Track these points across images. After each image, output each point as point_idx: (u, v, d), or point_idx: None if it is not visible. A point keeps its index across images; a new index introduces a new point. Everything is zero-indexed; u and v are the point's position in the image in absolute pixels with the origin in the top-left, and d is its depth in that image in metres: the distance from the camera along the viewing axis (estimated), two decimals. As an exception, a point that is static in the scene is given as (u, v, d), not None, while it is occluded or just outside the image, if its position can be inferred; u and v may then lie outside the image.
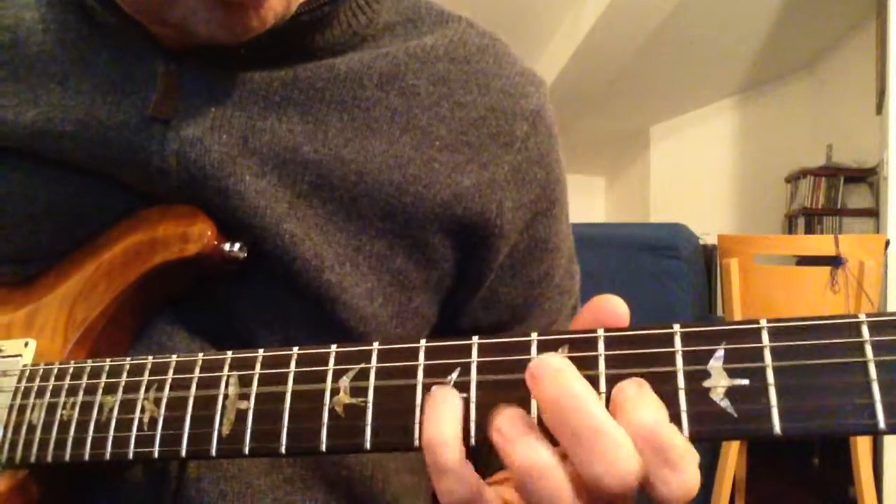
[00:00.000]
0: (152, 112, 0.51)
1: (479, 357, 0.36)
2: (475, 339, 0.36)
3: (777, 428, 0.31)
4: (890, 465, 2.59)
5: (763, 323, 0.32)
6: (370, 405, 0.37)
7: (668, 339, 0.33)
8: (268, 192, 0.51)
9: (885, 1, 2.87)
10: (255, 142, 0.52)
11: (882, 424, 0.30)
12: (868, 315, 0.31)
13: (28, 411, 0.46)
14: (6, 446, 0.45)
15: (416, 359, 0.37)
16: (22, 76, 0.53)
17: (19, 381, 0.48)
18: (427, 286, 0.57)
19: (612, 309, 0.36)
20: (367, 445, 0.36)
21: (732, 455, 2.33)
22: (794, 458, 3.46)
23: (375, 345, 0.38)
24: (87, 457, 0.43)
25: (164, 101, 0.51)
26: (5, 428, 0.46)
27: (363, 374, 0.37)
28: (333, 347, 0.39)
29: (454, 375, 0.36)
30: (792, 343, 0.32)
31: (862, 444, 2.19)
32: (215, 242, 0.50)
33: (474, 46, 0.59)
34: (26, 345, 0.50)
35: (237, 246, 0.50)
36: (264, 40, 0.50)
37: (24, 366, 0.48)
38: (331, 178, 0.52)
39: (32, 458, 0.44)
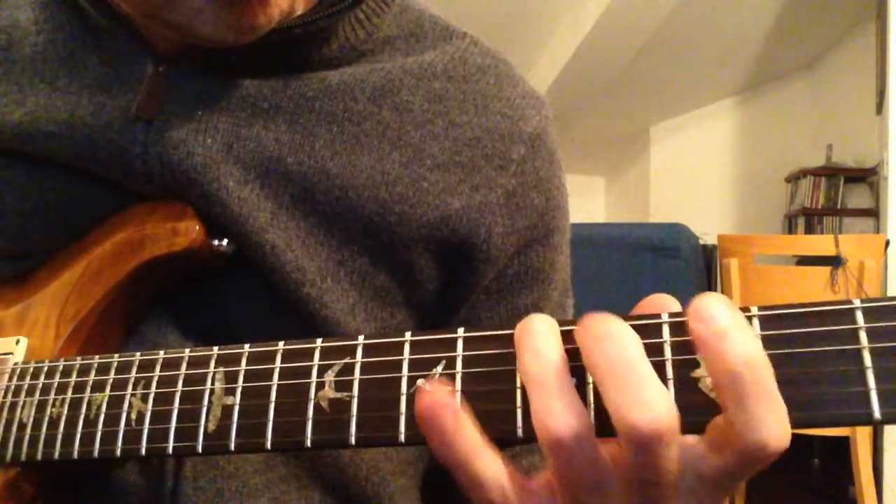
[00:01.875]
0: (135, 112, 0.51)
1: (464, 350, 0.35)
2: (460, 331, 0.36)
3: None
4: (890, 465, 2.59)
5: (754, 311, 0.31)
6: (355, 399, 0.36)
7: (657, 329, 0.33)
8: (250, 201, 0.50)
9: (886, 1, 2.87)
10: (240, 149, 0.51)
11: (877, 414, 0.29)
12: (863, 301, 0.30)
13: (18, 409, 0.46)
14: None
15: (402, 352, 0.36)
16: (13, 77, 0.53)
17: (10, 378, 0.48)
18: (409, 303, 0.55)
19: (665, 308, 0.34)
20: (352, 440, 0.36)
21: (732, 455, 2.33)
22: (793, 458, 3.44)
23: (361, 339, 0.38)
24: (75, 454, 0.43)
25: (148, 102, 0.51)
26: None
27: (348, 369, 0.37)
28: (318, 342, 0.39)
29: (439, 368, 0.35)
30: (784, 331, 0.31)
31: (862, 444, 2.19)
32: (203, 237, 0.50)
33: (475, 66, 0.57)
34: (17, 342, 0.50)
35: (225, 241, 0.50)
36: (258, 49, 0.50)
37: (15, 364, 0.48)
38: (314, 191, 0.51)
39: (23, 457, 0.44)
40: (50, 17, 0.55)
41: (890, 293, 2.52)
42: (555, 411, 0.31)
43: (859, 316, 0.30)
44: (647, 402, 0.29)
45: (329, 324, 0.52)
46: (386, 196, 0.52)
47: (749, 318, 0.31)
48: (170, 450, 0.40)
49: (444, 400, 0.33)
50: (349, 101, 0.53)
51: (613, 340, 0.31)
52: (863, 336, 0.30)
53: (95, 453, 0.42)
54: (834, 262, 2.19)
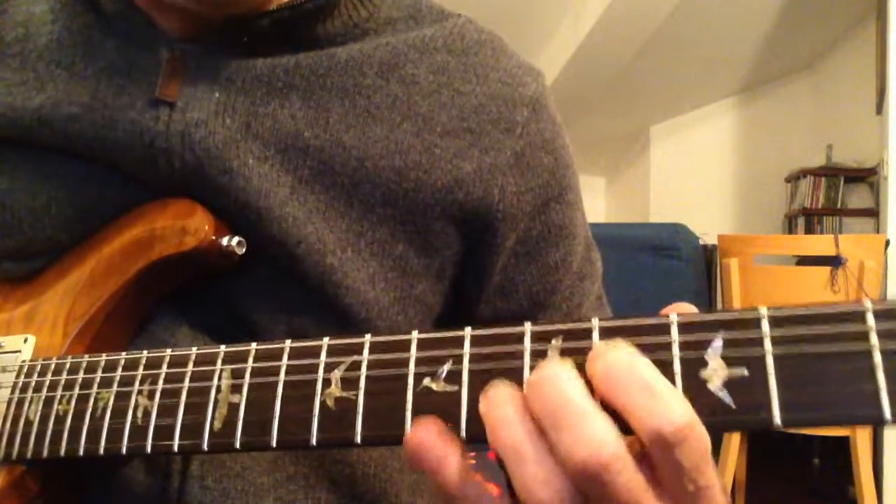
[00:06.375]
0: (158, 94, 0.52)
1: (471, 348, 0.35)
2: (467, 330, 0.36)
3: (777, 419, 0.29)
4: (890, 465, 2.59)
5: (763, 311, 0.31)
6: (361, 398, 0.36)
7: (665, 329, 0.32)
8: (271, 177, 0.52)
9: (886, 1, 2.87)
10: (258, 127, 0.52)
11: (888, 414, 0.28)
12: (873, 302, 0.29)
13: (25, 406, 0.46)
14: (4, 441, 0.45)
15: (408, 351, 0.36)
16: (31, 65, 0.54)
17: (17, 376, 0.48)
18: (429, 273, 0.57)
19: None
20: (358, 439, 0.36)
21: (732, 455, 2.33)
22: (793, 458, 3.46)
23: (367, 337, 0.38)
24: (81, 451, 0.43)
25: (169, 84, 0.52)
26: (3, 422, 0.46)
27: (355, 367, 0.37)
28: (325, 340, 0.39)
29: (446, 367, 0.35)
30: (793, 331, 0.30)
31: (862, 444, 2.19)
32: (213, 237, 0.50)
33: (472, 40, 0.60)
34: (25, 341, 0.50)
35: (235, 240, 0.51)
36: (267, 28, 0.52)
37: (23, 361, 0.49)
38: (332, 164, 0.53)
39: (29, 454, 0.44)
40: (64, 6, 0.56)
41: (890, 293, 2.52)
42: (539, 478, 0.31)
43: (870, 317, 0.29)
44: (589, 438, 0.30)
45: (350, 294, 0.53)
46: (401, 164, 0.54)
47: (757, 319, 0.31)
48: (175, 447, 0.40)
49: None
50: (358, 76, 0.55)
51: (549, 384, 0.31)
52: (873, 337, 0.29)
53: (101, 450, 0.42)
54: (834, 262, 2.19)
